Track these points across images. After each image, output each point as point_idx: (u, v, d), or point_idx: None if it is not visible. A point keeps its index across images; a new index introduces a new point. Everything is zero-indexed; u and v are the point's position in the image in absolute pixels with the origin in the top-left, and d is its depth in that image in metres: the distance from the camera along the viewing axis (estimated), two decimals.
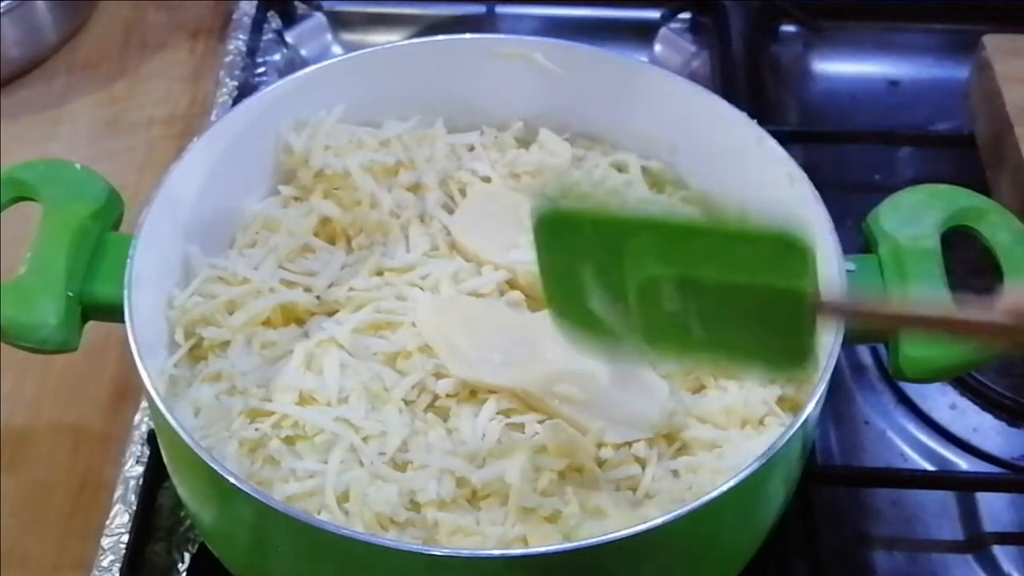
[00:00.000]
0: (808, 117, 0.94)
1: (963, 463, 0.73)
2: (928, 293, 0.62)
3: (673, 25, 0.99)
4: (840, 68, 0.98)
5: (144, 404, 0.71)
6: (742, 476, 0.53)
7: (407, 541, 0.55)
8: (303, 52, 0.98)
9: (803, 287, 0.48)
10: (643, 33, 0.99)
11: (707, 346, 0.52)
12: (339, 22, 1.00)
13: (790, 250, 0.47)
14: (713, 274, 0.49)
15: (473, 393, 0.61)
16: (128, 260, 0.60)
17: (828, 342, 0.58)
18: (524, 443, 0.59)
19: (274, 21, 0.98)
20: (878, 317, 0.50)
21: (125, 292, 0.59)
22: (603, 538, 0.51)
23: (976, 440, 0.74)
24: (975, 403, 0.76)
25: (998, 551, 0.69)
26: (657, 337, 0.53)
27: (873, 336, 0.64)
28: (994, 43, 0.86)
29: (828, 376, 0.57)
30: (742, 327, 0.50)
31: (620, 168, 0.74)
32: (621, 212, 0.52)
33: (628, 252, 0.50)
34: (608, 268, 0.51)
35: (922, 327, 0.49)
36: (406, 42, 0.77)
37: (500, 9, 0.97)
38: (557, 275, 0.54)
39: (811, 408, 0.56)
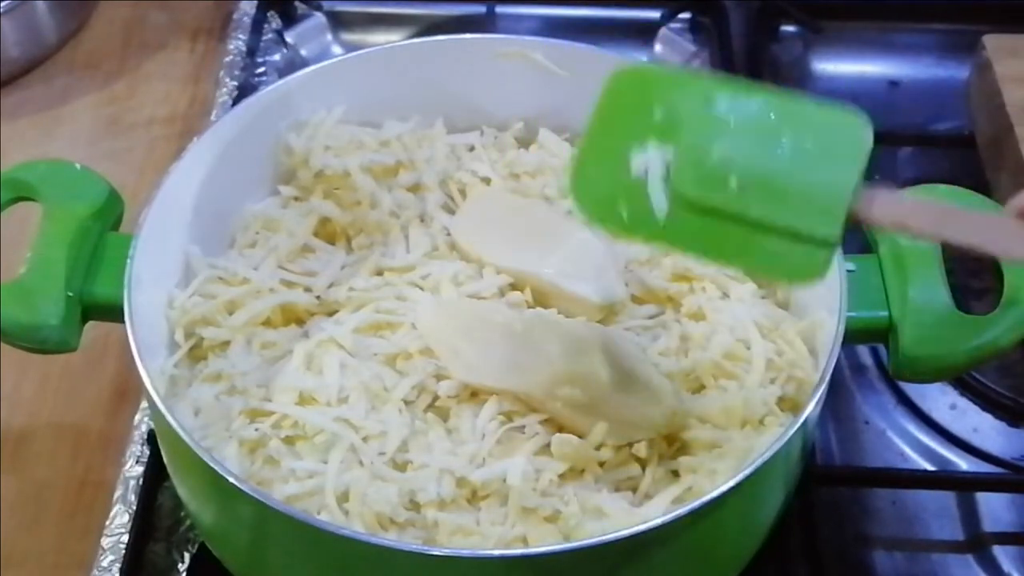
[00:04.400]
0: None
1: (963, 463, 0.73)
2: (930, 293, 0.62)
3: (673, 25, 0.99)
4: (840, 68, 0.98)
5: (144, 404, 0.71)
6: (742, 476, 0.53)
7: (407, 541, 0.55)
8: (303, 52, 0.98)
9: (832, 236, 0.49)
10: (643, 33, 0.99)
11: (721, 228, 0.52)
12: (339, 22, 1.00)
13: (851, 131, 0.48)
14: (765, 134, 0.50)
15: (474, 394, 0.61)
16: (128, 260, 0.61)
17: (828, 342, 0.58)
18: (524, 443, 0.59)
19: (274, 21, 0.98)
20: (908, 224, 0.50)
21: (125, 292, 0.59)
22: (603, 538, 0.51)
23: (976, 440, 0.74)
24: (975, 403, 0.76)
25: (998, 551, 0.69)
26: (678, 206, 0.52)
27: (874, 335, 0.64)
28: (994, 43, 0.86)
29: (828, 376, 0.57)
30: (777, 204, 0.50)
31: None
32: (693, 74, 0.54)
33: (691, 105, 0.51)
34: (670, 114, 0.52)
35: (954, 232, 0.49)
36: (406, 42, 0.77)
37: (500, 9, 0.97)
38: (603, 128, 0.54)
39: (811, 408, 0.56)
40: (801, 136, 0.50)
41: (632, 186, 0.53)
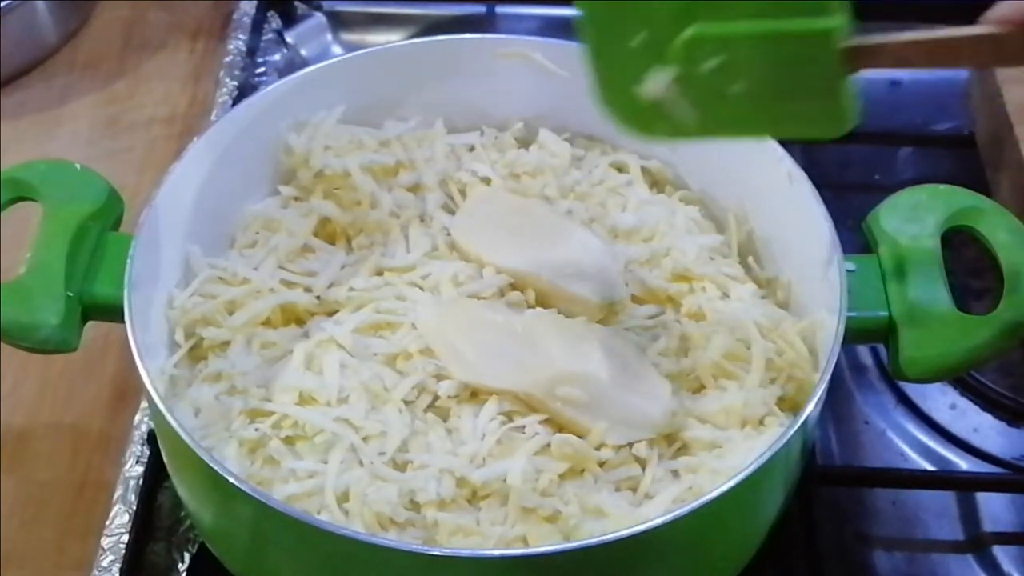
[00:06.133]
0: None
1: (963, 463, 0.73)
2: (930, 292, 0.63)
3: None
4: None
5: (144, 404, 0.71)
6: (742, 476, 0.53)
7: (407, 541, 0.55)
8: (303, 52, 0.98)
9: (833, 24, 0.49)
10: None
11: (747, 109, 0.53)
12: (339, 22, 1.00)
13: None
14: (750, 24, 0.51)
15: (474, 394, 0.61)
16: (128, 260, 0.61)
17: (828, 342, 0.58)
18: (524, 443, 0.59)
19: (274, 21, 0.98)
20: (894, 52, 0.51)
21: (125, 292, 0.59)
22: (603, 538, 0.51)
23: (976, 440, 0.74)
24: (975, 403, 0.76)
25: (998, 551, 0.69)
26: (702, 105, 0.54)
27: (874, 335, 0.64)
28: None
29: (828, 376, 0.57)
30: (781, 79, 0.51)
31: (620, 168, 0.74)
32: None
33: (669, 14, 0.52)
34: (655, 34, 0.53)
35: (927, 56, 0.51)
36: (406, 42, 0.77)
37: (500, 9, 0.97)
38: (603, 64, 0.55)
39: (811, 408, 0.56)
40: (773, 16, 0.51)
41: (653, 102, 0.54)
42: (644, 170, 0.73)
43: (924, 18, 0.98)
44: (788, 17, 0.50)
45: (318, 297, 0.66)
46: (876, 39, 0.50)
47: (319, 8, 1.00)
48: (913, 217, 0.65)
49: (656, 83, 0.54)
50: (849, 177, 0.88)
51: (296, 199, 0.71)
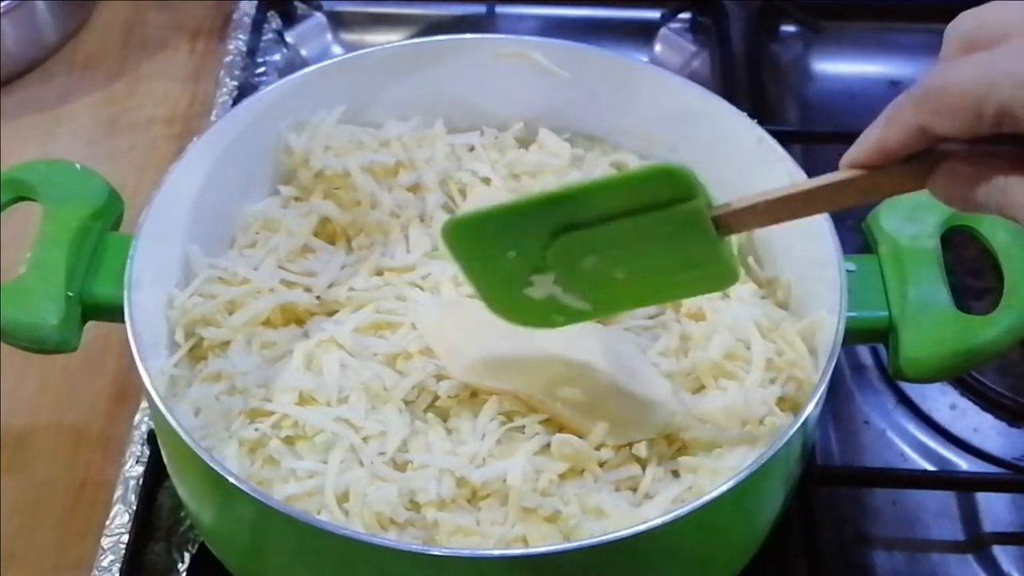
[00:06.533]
0: (808, 117, 0.94)
1: (963, 463, 0.73)
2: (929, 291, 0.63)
3: (673, 25, 0.99)
4: (840, 68, 0.98)
5: (144, 404, 0.71)
6: (742, 476, 0.53)
7: (407, 541, 0.55)
8: (303, 52, 0.98)
9: (694, 205, 0.51)
10: (643, 33, 0.99)
11: (636, 287, 0.55)
12: (339, 22, 1.00)
13: (672, 178, 0.51)
14: (615, 224, 0.52)
15: (474, 394, 0.61)
16: (128, 260, 0.60)
17: (828, 342, 0.58)
18: (524, 443, 0.59)
19: (274, 21, 0.98)
20: (758, 213, 0.52)
21: (125, 292, 0.59)
22: (603, 538, 0.51)
23: (976, 440, 0.74)
24: (975, 403, 0.76)
25: (998, 551, 0.69)
26: (591, 293, 0.55)
27: (874, 335, 0.64)
28: None
29: (828, 376, 0.57)
30: (660, 259, 0.53)
31: (620, 168, 0.74)
32: (512, 201, 0.55)
33: (532, 232, 0.53)
34: (524, 252, 0.54)
35: (792, 211, 0.52)
36: (406, 42, 0.77)
37: (500, 9, 0.97)
38: (483, 277, 0.57)
39: (811, 408, 0.56)
40: (634, 209, 0.52)
41: (544, 301, 0.56)
42: None
43: (923, 18, 0.99)
44: (652, 211, 0.51)
45: (318, 297, 0.66)
46: (738, 204, 0.51)
47: (319, 8, 1.00)
48: (913, 217, 0.65)
49: (540, 287, 0.55)
50: None
51: (296, 199, 0.71)
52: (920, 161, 0.46)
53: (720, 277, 0.54)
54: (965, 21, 0.44)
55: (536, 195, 0.55)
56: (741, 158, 0.68)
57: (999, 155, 0.43)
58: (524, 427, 0.60)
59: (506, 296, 0.56)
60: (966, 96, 0.42)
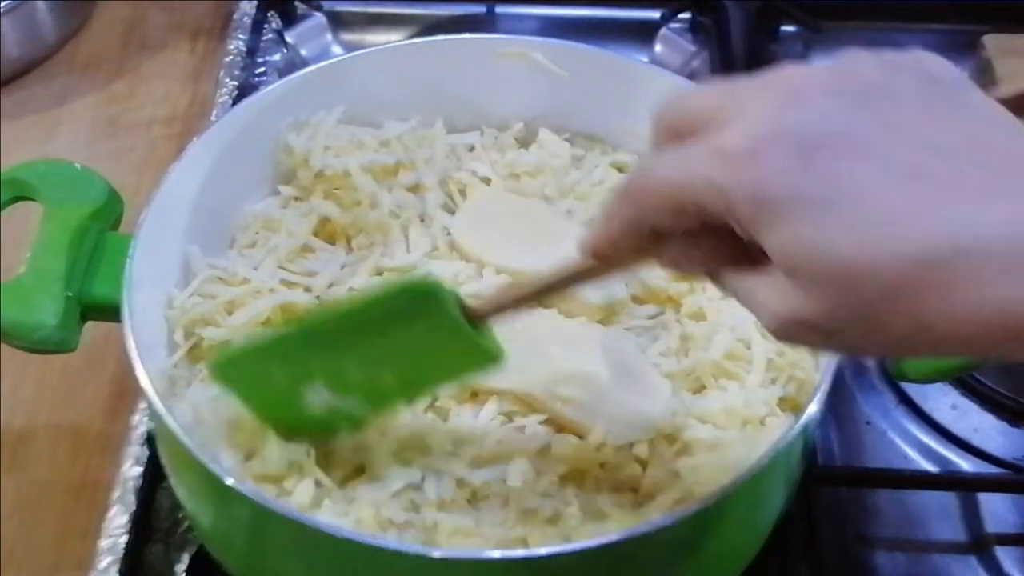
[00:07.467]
0: None
1: (965, 464, 0.73)
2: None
3: (673, 25, 0.99)
4: None
5: (143, 405, 0.71)
6: (743, 477, 0.53)
7: (407, 542, 0.55)
8: (303, 52, 0.98)
9: (446, 315, 0.52)
10: (643, 33, 0.99)
11: (406, 383, 0.56)
12: (339, 22, 1.00)
13: (417, 293, 0.52)
14: (370, 337, 0.53)
15: (474, 394, 0.61)
16: (128, 260, 0.60)
17: None
18: (525, 444, 0.59)
19: (274, 21, 0.98)
20: (509, 304, 0.53)
21: (124, 292, 0.59)
22: (604, 539, 0.51)
23: (977, 440, 0.74)
24: (976, 403, 0.76)
25: (1000, 552, 0.69)
26: (367, 398, 0.56)
27: None
28: (994, 43, 0.86)
29: (829, 376, 0.57)
30: (423, 360, 0.54)
31: (620, 168, 0.74)
32: (267, 336, 0.58)
33: (293, 357, 0.55)
34: (290, 374, 0.56)
35: (539, 299, 0.54)
36: (406, 42, 0.76)
37: (500, 9, 0.97)
38: (260, 402, 0.57)
39: (812, 409, 0.56)
40: (389, 325, 0.53)
41: (324, 413, 0.56)
42: None
43: (923, 18, 0.99)
44: (405, 322, 0.53)
45: (318, 297, 0.66)
46: (489, 302, 0.53)
47: (319, 8, 1.00)
48: None
49: (315, 398, 0.56)
50: None
51: (296, 199, 0.71)
52: (648, 248, 0.46)
53: (487, 358, 0.54)
54: (671, 108, 0.44)
55: (287, 328, 0.57)
56: None
57: (718, 249, 0.44)
58: (524, 427, 0.59)
59: (287, 415, 0.57)
60: (666, 195, 0.42)
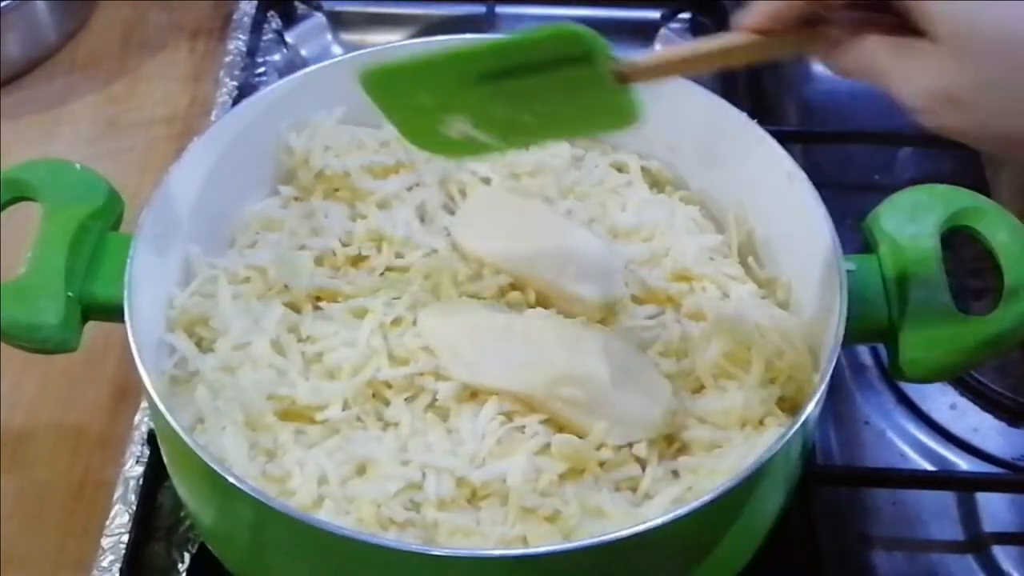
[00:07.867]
0: (808, 117, 0.94)
1: (963, 463, 0.73)
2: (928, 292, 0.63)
3: (673, 25, 0.99)
4: None
5: (144, 404, 0.71)
6: (742, 476, 0.53)
7: (407, 541, 0.55)
8: (303, 52, 0.98)
9: (596, 62, 0.53)
10: (643, 33, 0.99)
11: (545, 127, 0.58)
12: (339, 22, 1.00)
13: (575, 39, 0.54)
14: (521, 76, 0.55)
15: (474, 394, 0.61)
16: (128, 260, 0.60)
17: (828, 342, 0.58)
18: (524, 443, 0.59)
19: (274, 21, 0.98)
20: (658, 69, 0.55)
21: (125, 292, 0.59)
22: (603, 538, 0.51)
23: (976, 440, 0.74)
24: (975, 403, 0.76)
25: (998, 551, 0.69)
26: (500, 133, 0.58)
27: (874, 335, 0.64)
28: None
29: (828, 376, 0.57)
30: (566, 106, 0.56)
31: (620, 168, 0.74)
32: (425, 54, 0.58)
33: (444, 82, 0.57)
34: (438, 98, 0.58)
35: (690, 68, 0.56)
36: (406, 42, 0.77)
37: (500, 9, 0.97)
38: (402, 117, 0.60)
39: (811, 408, 0.56)
40: (541, 66, 0.55)
41: (458, 137, 0.59)
42: (644, 170, 0.73)
43: None
44: (557, 66, 0.54)
45: (318, 297, 0.66)
46: (640, 61, 0.54)
47: (319, 8, 1.00)
48: (913, 217, 0.65)
49: (453, 127, 0.58)
50: (849, 177, 0.88)
51: (296, 199, 0.71)
52: (806, 28, 0.49)
53: (622, 115, 0.55)
54: None
55: (447, 50, 0.57)
56: (741, 158, 0.68)
57: (874, 22, 0.46)
58: (524, 427, 0.60)
59: (423, 131, 0.60)
60: None
